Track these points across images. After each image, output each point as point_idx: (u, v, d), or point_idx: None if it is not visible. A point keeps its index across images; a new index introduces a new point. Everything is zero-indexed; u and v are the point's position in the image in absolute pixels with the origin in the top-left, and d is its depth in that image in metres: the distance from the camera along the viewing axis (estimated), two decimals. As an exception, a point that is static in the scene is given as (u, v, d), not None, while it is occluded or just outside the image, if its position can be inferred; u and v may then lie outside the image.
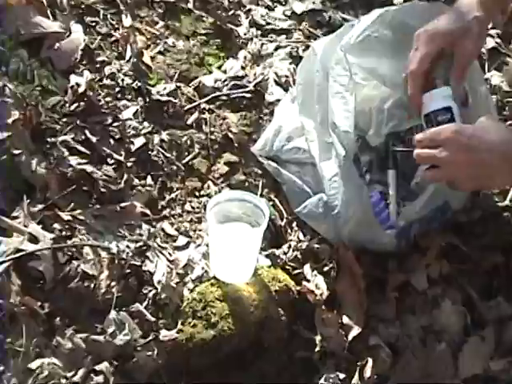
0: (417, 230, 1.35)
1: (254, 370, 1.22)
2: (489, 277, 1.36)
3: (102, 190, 1.30)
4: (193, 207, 1.37)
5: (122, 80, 1.46)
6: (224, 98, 1.53)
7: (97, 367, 1.13)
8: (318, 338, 1.26)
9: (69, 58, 1.44)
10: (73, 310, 1.17)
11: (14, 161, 1.25)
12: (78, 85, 1.38)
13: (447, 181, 1.17)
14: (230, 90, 1.54)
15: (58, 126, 1.34)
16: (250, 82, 1.56)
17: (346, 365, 1.25)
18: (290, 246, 1.34)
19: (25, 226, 1.19)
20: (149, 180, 1.36)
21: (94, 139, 1.34)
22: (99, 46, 1.50)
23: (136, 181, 1.35)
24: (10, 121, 1.27)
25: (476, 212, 1.42)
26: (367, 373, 1.23)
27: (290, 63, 1.61)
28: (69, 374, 1.11)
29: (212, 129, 1.47)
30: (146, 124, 1.42)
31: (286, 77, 1.58)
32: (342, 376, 1.23)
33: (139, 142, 1.39)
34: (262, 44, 1.65)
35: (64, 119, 1.35)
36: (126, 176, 1.33)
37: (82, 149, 1.33)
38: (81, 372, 1.12)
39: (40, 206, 1.23)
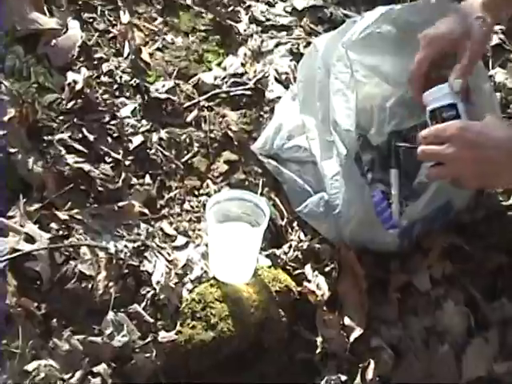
0: (419, 230, 1.35)
1: (254, 372, 1.22)
2: (493, 277, 1.36)
3: (100, 189, 1.30)
4: (192, 206, 1.37)
5: (120, 77, 1.46)
6: (224, 95, 1.53)
7: (94, 369, 1.13)
8: (319, 340, 1.26)
9: (66, 54, 1.44)
10: (70, 311, 1.17)
11: (10, 159, 1.25)
12: (75, 82, 1.38)
13: (452, 179, 1.17)
14: (230, 88, 1.54)
15: (55, 124, 1.34)
16: (250, 80, 1.55)
17: (348, 366, 1.25)
18: (290, 246, 1.34)
19: (21, 226, 1.19)
20: (147, 179, 1.36)
21: (91, 137, 1.34)
22: (97, 42, 1.50)
23: (134, 180, 1.35)
24: (5, 118, 1.27)
25: (480, 211, 1.42)
26: (369, 375, 1.23)
27: (291, 60, 1.60)
28: (66, 376, 1.11)
29: (211, 127, 1.47)
30: (144, 122, 1.42)
31: (287, 74, 1.57)
32: (343, 378, 1.23)
33: (137, 140, 1.39)
34: (262, 41, 1.65)
35: (61, 117, 1.35)
36: (123, 175, 1.33)
37: (80, 147, 1.33)
38: (78, 374, 1.12)
39: (36, 206, 1.23)
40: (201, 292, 1.22)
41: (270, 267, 1.29)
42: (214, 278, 1.24)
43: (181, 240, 1.30)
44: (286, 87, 1.55)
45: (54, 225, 1.22)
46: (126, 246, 1.24)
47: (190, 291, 1.23)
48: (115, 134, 1.37)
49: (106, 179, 1.31)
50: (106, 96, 1.41)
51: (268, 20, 1.71)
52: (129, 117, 1.40)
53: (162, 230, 1.31)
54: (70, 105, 1.36)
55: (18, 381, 1.08)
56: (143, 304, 1.20)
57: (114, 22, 1.55)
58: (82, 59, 1.45)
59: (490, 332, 1.29)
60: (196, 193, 1.40)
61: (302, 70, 1.44)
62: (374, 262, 1.35)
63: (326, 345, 1.26)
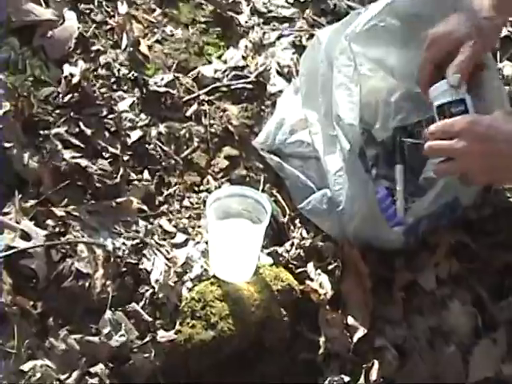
0: (425, 227, 1.35)
1: (255, 373, 1.22)
2: (500, 276, 1.36)
3: (97, 184, 1.30)
4: (192, 203, 1.37)
5: (118, 70, 1.45)
6: (224, 89, 1.53)
7: (91, 369, 1.13)
8: (321, 339, 1.26)
9: (62, 46, 1.43)
10: (66, 310, 1.17)
11: (5, 154, 1.25)
12: (72, 75, 1.38)
13: (460, 174, 1.17)
14: (231, 81, 1.53)
15: (51, 118, 1.33)
16: (251, 73, 1.55)
17: (351, 367, 1.25)
18: (292, 244, 1.34)
19: (16, 223, 1.19)
20: (146, 174, 1.36)
21: (88, 132, 1.34)
22: (94, 34, 1.49)
23: (132, 175, 1.35)
24: (0, 112, 1.27)
25: (487, 208, 1.41)
26: (373, 376, 1.23)
27: (293, 53, 1.60)
28: (62, 377, 1.11)
29: (212, 121, 1.47)
30: (142, 116, 1.42)
31: (289, 67, 1.57)
32: (346, 379, 1.23)
33: (136, 134, 1.39)
34: (264, 33, 1.64)
35: (57, 111, 1.35)
36: (122, 170, 1.33)
37: (76, 142, 1.32)
38: (75, 374, 1.12)
39: (32, 202, 1.23)
40: (201, 290, 1.22)
41: (271, 265, 1.29)
42: (214, 276, 1.24)
43: (180, 237, 1.30)
44: (288, 80, 1.55)
45: (50, 221, 1.22)
46: (124, 244, 1.24)
47: (190, 290, 1.23)
48: (113, 129, 1.37)
49: (103, 175, 1.31)
50: (103, 89, 1.41)
51: (270, 11, 1.71)
52: (127, 111, 1.40)
53: (161, 227, 1.31)
54: (66, 98, 1.36)
55: (13, 381, 1.08)
56: (142, 303, 1.20)
57: (111, 13, 1.54)
58: (78, 51, 1.45)
59: (498, 332, 1.29)
60: (196, 189, 1.39)
61: (305, 62, 1.44)
62: (379, 260, 1.35)
63: (328, 345, 1.26)
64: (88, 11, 1.53)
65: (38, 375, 1.09)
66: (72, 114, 1.35)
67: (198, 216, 1.35)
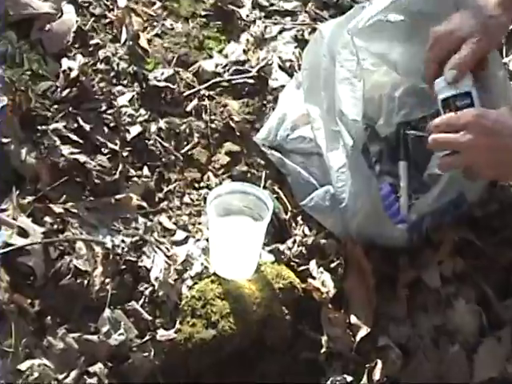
0: (429, 224, 1.35)
1: (257, 372, 1.22)
2: (506, 274, 1.35)
3: (96, 181, 1.30)
4: (192, 200, 1.37)
5: (117, 64, 1.45)
6: (225, 83, 1.53)
7: (90, 369, 1.13)
8: (324, 339, 1.26)
9: (60, 40, 1.43)
10: (65, 308, 1.17)
11: (3, 150, 1.25)
12: (71, 69, 1.38)
13: (465, 169, 1.17)
14: (232, 76, 1.53)
15: (49, 113, 1.33)
16: (252, 67, 1.55)
17: (354, 367, 1.25)
18: (294, 241, 1.34)
19: (14, 219, 1.19)
20: (145, 171, 1.36)
21: (87, 127, 1.34)
22: (93, 27, 1.49)
23: (132, 171, 1.35)
24: (-3, 107, 1.27)
25: (493, 205, 1.41)
26: (376, 375, 1.23)
27: (296, 47, 1.60)
28: (60, 376, 1.11)
29: (212, 117, 1.47)
30: (142, 111, 1.42)
31: (291, 61, 1.57)
32: (349, 379, 1.23)
33: (135, 130, 1.38)
34: (266, 26, 1.64)
35: (55, 106, 1.35)
36: (121, 166, 1.33)
37: (75, 137, 1.32)
38: (73, 374, 1.12)
39: (30, 198, 1.23)
40: (201, 289, 1.22)
41: (273, 263, 1.29)
42: (214, 274, 1.24)
43: (180, 234, 1.30)
44: (290, 75, 1.55)
45: (48, 218, 1.22)
46: (123, 241, 1.24)
47: (190, 288, 1.23)
48: (112, 124, 1.37)
49: (102, 171, 1.31)
50: (102, 84, 1.41)
51: (271, 5, 1.71)
52: (126, 106, 1.40)
53: (160, 224, 1.31)
54: (64, 93, 1.36)
55: (10, 380, 1.08)
56: (141, 301, 1.20)
57: (110, 7, 1.54)
58: (77, 45, 1.45)
59: (503, 331, 1.29)
60: (196, 185, 1.39)
61: (307, 57, 1.44)
62: (382, 258, 1.34)
63: (331, 344, 1.26)
64: (86, 4, 1.53)
65: (36, 374, 1.09)
66: (70, 108, 1.35)
67: (198, 213, 1.35)
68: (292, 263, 1.31)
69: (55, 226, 1.22)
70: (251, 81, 1.53)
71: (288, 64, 1.57)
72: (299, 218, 1.38)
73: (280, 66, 1.56)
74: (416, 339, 1.27)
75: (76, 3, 1.50)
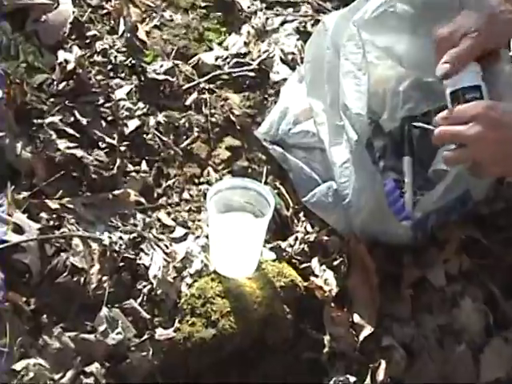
0: (434, 222, 1.35)
1: (257, 372, 1.22)
2: (513, 273, 1.36)
3: (93, 176, 1.30)
4: (191, 195, 1.36)
5: (115, 57, 1.45)
6: (225, 76, 1.53)
7: (87, 369, 1.13)
8: (326, 338, 1.26)
9: (57, 32, 1.43)
10: (61, 307, 1.16)
11: (-3, 144, 1.25)
12: (67, 61, 1.38)
13: (472, 165, 1.16)
14: (232, 69, 1.53)
15: (45, 107, 1.33)
16: (253, 60, 1.55)
17: (357, 367, 1.25)
18: (296, 238, 1.34)
19: (9, 215, 1.19)
20: (144, 166, 1.36)
21: (84, 121, 1.34)
22: (90, 19, 1.49)
23: (130, 166, 1.34)
24: (-8, 100, 1.27)
25: (499, 202, 1.41)
26: (380, 376, 1.23)
27: (298, 39, 1.60)
28: (56, 376, 1.11)
29: (212, 110, 1.47)
30: (140, 105, 1.41)
31: (293, 54, 1.57)
32: (352, 379, 1.23)
33: (133, 124, 1.38)
34: (267, 18, 1.64)
35: (51, 99, 1.34)
36: (118, 161, 1.33)
37: (71, 131, 1.32)
38: (69, 374, 1.12)
39: (25, 194, 1.23)
40: (201, 287, 1.22)
41: (274, 261, 1.29)
42: (214, 271, 1.24)
43: (180, 231, 1.30)
44: (293, 68, 1.55)
45: (43, 214, 1.22)
46: (121, 238, 1.24)
47: (190, 286, 1.23)
48: (109, 118, 1.37)
49: (99, 166, 1.31)
50: (99, 77, 1.41)
51: (273, -4, 1.71)
52: (124, 99, 1.40)
53: (159, 220, 1.31)
54: (61, 86, 1.36)
55: (5, 380, 1.08)
56: (139, 299, 1.20)
57: (108, -3, 1.54)
58: (73, 37, 1.44)
59: (510, 331, 1.29)
60: (196, 181, 1.39)
61: (310, 49, 1.44)
62: (386, 256, 1.34)
63: (333, 344, 1.26)
64: (83, -6, 1.53)
65: (31, 374, 1.09)
66: (67, 102, 1.35)
67: (198, 209, 1.35)
68: (294, 261, 1.31)
69: (51, 223, 1.22)
70: (252, 74, 1.53)
71: (290, 57, 1.57)
72: (301, 215, 1.38)
73: (282, 59, 1.56)
74: (421, 339, 1.27)
75: (73, -7, 1.51)
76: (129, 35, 1.49)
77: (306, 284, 1.28)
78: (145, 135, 1.39)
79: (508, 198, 1.42)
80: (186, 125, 1.44)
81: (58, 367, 1.11)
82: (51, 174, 1.26)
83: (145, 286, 1.21)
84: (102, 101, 1.38)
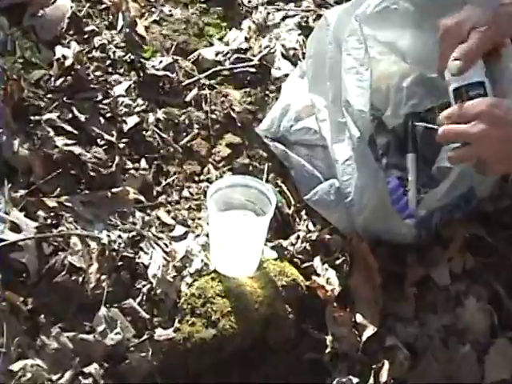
0: (438, 220, 1.35)
1: (259, 373, 1.22)
2: (518, 271, 1.36)
3: (91, 173, 1.29)
4: (191, 193, 1.36)
5: (114, 52, 1.45)
6: (226, 72, 1.53)
7: (85, 369, 1.13)
8: (328, 338, 1.26)
9: (54, 27, 1.43)
10: (59, 307, 1.16)
11: (-6, 141, 1.25)
12: (65, 57, 1.37)
13: (477, 162, 1.16)
14: (233, 64, 1.53)
15: (43, 103, 1.33)
16: (254, 56, 1.55)
17: (360, 367, 1.25)
18: (298, 237, 1.34)
19: (6, 214, 1.18)
20: (143, 163, 1.36)
21: (82, 118, 1.34)
22: (88, 14, 1.49)
23: (129, 164, 1.34)
24: (-12, 97, 1.27)
25: (504, 200, 1.41)
26: (383, 376, 1.23)
27: (299, 34, 1.60)
28: (54, 377, 1.11)
29: (213, 107, 1.47)
30: (139, 101, 1.41)
31: (295, 49, 1.57)
32: (355, 380, 1.23)
33: (132, 120, 1.38)
34: (268, 13, 1.64)
35: (49, 95, 1.34)
36: (117, 158, 1.33)
37: (69, 128, 1.32)
38: (67, 374, 1.12)
39: (22, 192, 1.23)
40: (201, 286, 1.22)
41: (275, 260, 1.29)
42: (215, 271, 1.24)
43: (179, 230, 1.30)
44: (294, 64, 1.55)
45: (41, 212, 1.22)
46: (119, 236, 1.23)
47: (190, 285, 1.23)
48: (108, 114, 1.37)
49: (98, 163, 1.30)
50: (98, 73, 1.41)
51: (274, -10, 1.71)
52: (123, 95, 1.40)
53: (158, 218, 1.31)
54: (58, 82, 1.36)
55: (2, 381, 1.08)
56: (138, 299, 1.20)
57: (106, -8, 1.54)
58: (71, 32, 1.44)
59: (515, 331, 1.30)
60: (196, 178, 1.39)
61: (312, 45, 1.44)
62: (389, 255, 1.34)
63: (336, 344, 1.26)
64: (81, -11, 1.52)
65: (29, 375, 1.08)
66: (65, 98, 1.35)
67: (198, 207, 1.35)
68: (295, 260, 1.31)
69: (49, 221, 1.22)
70: (253, 69, 1.53)
71: (292, 52, 1.57)
72: (303, 213, 1.38)
73: (283, 55, 1.56)
74: (424, 339, 1.27)
75: (70, -12, 1.51)
76: (127, 30, 1.49)
77: (307, 283, 1.29)
78: (144, 132, 1.39)
79: (513, 195, 1.43)
80: (186, 121, 1.44)
81: (56, 368, 1.11)
82: (49, 172, 1.26)
83: (144, 286, 1.21)
84: (100, 97, 1.37)
